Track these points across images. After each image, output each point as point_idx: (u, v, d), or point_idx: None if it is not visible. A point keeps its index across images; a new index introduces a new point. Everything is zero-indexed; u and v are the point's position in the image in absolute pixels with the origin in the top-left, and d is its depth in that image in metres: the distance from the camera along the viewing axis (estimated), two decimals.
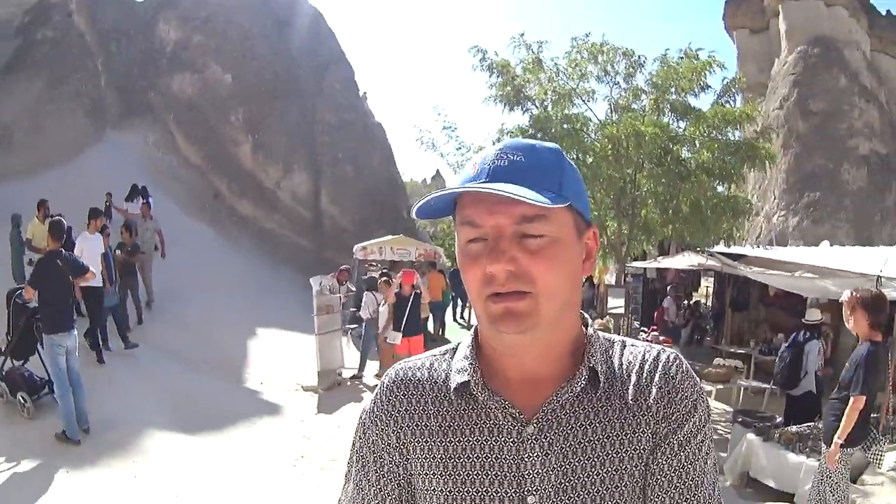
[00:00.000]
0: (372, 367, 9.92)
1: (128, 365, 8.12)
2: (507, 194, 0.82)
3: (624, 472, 0.92)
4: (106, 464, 5.60)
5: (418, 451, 0.97)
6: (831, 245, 17.63)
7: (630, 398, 0.94)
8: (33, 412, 6.24)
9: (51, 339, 5.86)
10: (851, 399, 4.18)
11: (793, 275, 9.42)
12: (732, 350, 11.35)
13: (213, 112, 24.06)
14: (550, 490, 0.91)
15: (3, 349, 6.48)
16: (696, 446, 0.94)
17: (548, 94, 9.97)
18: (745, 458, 6.36)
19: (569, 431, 0.92)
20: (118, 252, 9.49)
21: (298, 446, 6.71)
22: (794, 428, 6.30)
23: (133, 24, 25.06)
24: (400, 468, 0.99)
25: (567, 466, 0.91)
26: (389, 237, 16.64)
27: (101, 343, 8.04)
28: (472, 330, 1.03)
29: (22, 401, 6.24)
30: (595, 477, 0.91)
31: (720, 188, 9.99)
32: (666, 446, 0.93)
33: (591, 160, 9.44)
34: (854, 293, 4.36)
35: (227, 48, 24.85)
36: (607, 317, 12.14)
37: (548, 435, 0.92)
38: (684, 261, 11.81)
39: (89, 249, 7.93)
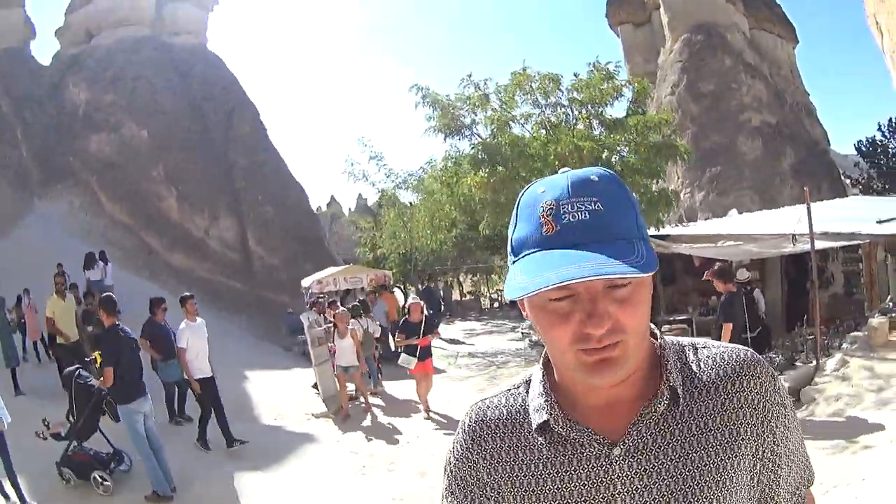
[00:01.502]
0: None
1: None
2: (612, 275, 0.82)
3: (718, 480, 0.94)
4: None
5: (509, 486, 1.00)
6: (739, 213, 19.98)
7: (717, 410, 0.97)
8: (112, 488, 6.47)
9: (128, 408, 6.36)
10: (723, 326, 7.10)
11: (717, 245, 11.31)
12: (672, 318, 13.13)
13: (134, 169, 24.33)
14: None
15: (65, 433, 6.65)
16: (794, 430, 1.02)
17: (494, 122, 11.46)
18: None
19: (656, 450, 0.94)
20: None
21: (353, 459, 7.73)
22: None
23: (43, 90, 24.95)
24: (492, 502, 1.03)
25: (657, 484, 0.94)
26: (340, 268, 17.98)
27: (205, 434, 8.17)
28: (542, 361, 1.05)
29: (99, 479, 6.46)
30: (689, 488, 0.93)
31: (652, 184, 11.75)
32: (775, 451, 0.99)
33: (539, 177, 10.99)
34: (709, 270, 7.45)
35: (137, 104, 25.17)
36: None
37: (635, 455, 0.94)
38: None
39: (195, 337, 8.18)
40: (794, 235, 9.22)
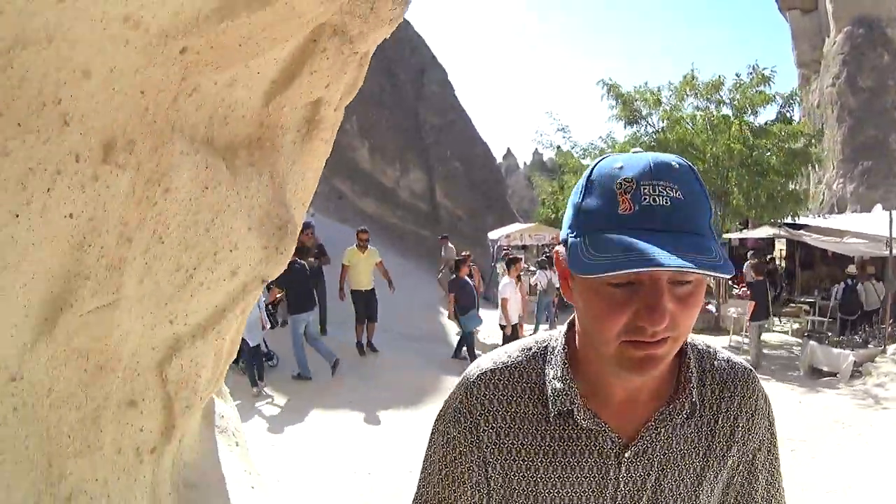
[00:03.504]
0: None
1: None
2: (701, 270, 0.80)
3: (703, 489, 1.02)
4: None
5: (509, 457, 1.01)
6: (884, 209, 21.89)
7: (719, 423, 1.03)
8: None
9: (295, 317, 8.85)
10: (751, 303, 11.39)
11: (842, 240, 14.43)
12: (802, 299, 16.70)
13: None
14: None
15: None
16: (776, 456, 1.09)
17: (667, 118, 15.41)
18: (809, 356, 10.86)
19: (662, 455, 1.00)
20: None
21: None
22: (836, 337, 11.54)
23: None
24: (482, 473, 1.02)
25: (657, 486, 1.00)
26: (529, 225, 21.81)
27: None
28: (562, 338, 1.05)
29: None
30: (678, 494, 1.01)
31: (788, 184, 15.28)
32: (754, 463, 1.06)
33: (700, 169, 14.78)
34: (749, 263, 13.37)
35: None
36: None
37: (643, 459, 0.99)
38: (762, 232, 17.11)
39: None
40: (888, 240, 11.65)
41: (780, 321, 15.58)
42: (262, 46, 1.48)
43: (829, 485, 5.86)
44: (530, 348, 1.07)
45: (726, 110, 15.59)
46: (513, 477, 1.00)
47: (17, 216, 1.14)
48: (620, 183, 0.86)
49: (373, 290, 10.51)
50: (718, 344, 1.27)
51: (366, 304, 10.35)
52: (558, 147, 19.71)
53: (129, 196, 1.36)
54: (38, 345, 1.33)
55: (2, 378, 1.28)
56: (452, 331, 13.55)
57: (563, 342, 1.03)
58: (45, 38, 1.04)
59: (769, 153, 14.89)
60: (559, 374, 1.00)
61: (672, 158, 0.90)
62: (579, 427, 0.98)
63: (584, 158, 17.69)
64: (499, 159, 61.20)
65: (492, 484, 1.01)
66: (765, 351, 11.92)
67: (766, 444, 1.07)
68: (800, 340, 12.83)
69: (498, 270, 15.19)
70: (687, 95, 15.72)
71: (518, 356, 1.06)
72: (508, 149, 64.68)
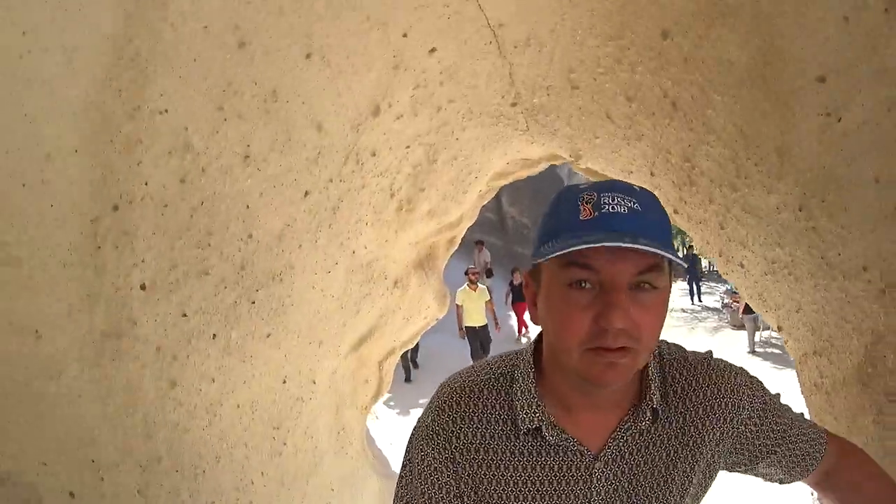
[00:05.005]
0: None
1: None
2: (648, 249, 0.84)
3: (674, 485, 1.05)
4: None
5: (482, 473, 1.03)
6: None
7: (687, 419, 1.05)
8: None
9: None
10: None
11: None
12: None
13: None
14: None
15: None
16: (777, 409, 1.11)
17: None
18: None
19: (631, 461, 1.03)
20: None
21: None
22: None
23: None
24: (453, 490, 1.04)
25: (628, 492, 1.03)
26: None
27: None
28: (530, 356, 1.06)
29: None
30: (653, 494, 1.04)
31: None
32: (746, 434, 1.08)
33: None
34: None
35: None
36: None
37: (612, 467, 1.02)
38: None
39: None
40: None
41: None
42: None
43: None
44: (498, 367, 1.08)
45: None
46: (486, 493, 1.02)
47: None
48: (582, 196, 0.90)
49: (485, 325, 11.25)
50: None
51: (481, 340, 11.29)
52: None
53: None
54: (347, 359, 2.99)
55: (326, 375, 2.93)
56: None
57: (531, 360, 1.05)
58: None
59: None
60: (526, 392, 1.02)
61: (634, 184, 0.95)
62: (548, 443, 1.00)
63: None
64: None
65: (465, 500, 1.03)
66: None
67: (757, 411, 1.08)
68: None
69: None
70: None
71: (486, 375, 1.07)
72: None
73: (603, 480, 1.02)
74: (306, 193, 1.90)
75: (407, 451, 1.09)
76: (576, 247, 0.85)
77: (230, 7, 1.54)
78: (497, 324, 11.83)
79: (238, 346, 1.83)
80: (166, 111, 1.54)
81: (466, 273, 11.36)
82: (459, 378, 1.09)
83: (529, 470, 1.01)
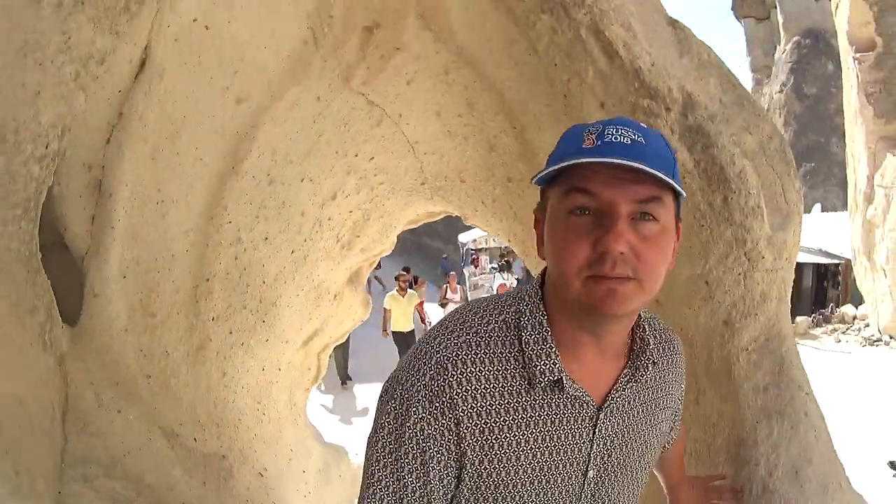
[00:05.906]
0: None
1: None
2: (644, 168, 0.85)
3: (656, 439, 1.16)
4: None
5: (492, 428, 0.99)
6: (823, 209, 24.44)
7: (667, 378, 1.18)
8: None
9: None
10: None
11: None
12: None
13: None
14: (607, 463, 1.08)
15: None
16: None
17: None
18: None
19: (625, 413, 1.09)
20: None
21: None
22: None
23: None
24: (453, 457, 0.99)
25: (623, 443, 1.09)
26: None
27: None
28: (534, 299, 1.04)
29: None
30: (638, 447, 1.12)
31: None
32: (678, 409, 1.27)
33: None
34: None
35: None
36: None
37: (611, 419, 1.07)
38: None
39: None
40: None
41: None
42: None
43: None
44: (500, 312, 1.03)
45: None
46: (496, 455, 0.98)
47: None
48: (588, 128, 0.92)
49: (412, 331, 11.24)
50: None
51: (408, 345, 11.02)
52: None
53: None
54: (298, 352, 4.12)
55: (285, 364, 4.07)
56: None
57: (539, 304, 1.02)
58: None
59: None
60: (541, 342, 0.99)
61: (651, 129, 0.95)
62: (565, 395, 0.99)
63: None
64: None
65: (465, 462, 0.98)
66: None
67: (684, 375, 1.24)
68: None
69: (465, 273, 17.16)
70: None
71: (491, 324, 1.02)
72: None
73: (604, 430, 1.05)
74: (292, 252, 3.04)
75: (387, 412, 0.98)
76: (574, 160, 0.88)
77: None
78: (423, 320, 11.93)
79: (251, 347, 2.95)
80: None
81: (397, 279, 11.53)
82: (461, 328, 1.02)
83: (543, 424, 1.00)
